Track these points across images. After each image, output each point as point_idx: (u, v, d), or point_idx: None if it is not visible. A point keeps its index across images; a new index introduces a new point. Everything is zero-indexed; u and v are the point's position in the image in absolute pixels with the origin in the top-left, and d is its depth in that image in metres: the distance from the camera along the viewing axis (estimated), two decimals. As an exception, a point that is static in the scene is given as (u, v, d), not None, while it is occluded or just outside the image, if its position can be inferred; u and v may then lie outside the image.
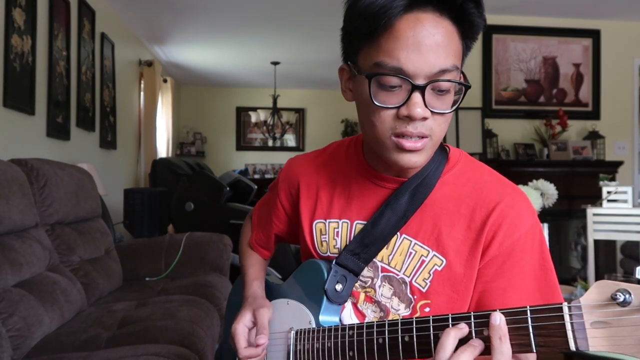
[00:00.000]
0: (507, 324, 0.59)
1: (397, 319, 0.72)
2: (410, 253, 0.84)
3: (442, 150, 0.87)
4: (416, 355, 0.68)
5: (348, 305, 0.90)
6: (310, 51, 5.56)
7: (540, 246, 0.81)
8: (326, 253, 0.92)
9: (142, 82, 5.23)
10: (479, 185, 0.83)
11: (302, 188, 0.97)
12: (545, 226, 2.62)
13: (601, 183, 2.98)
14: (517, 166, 4.24)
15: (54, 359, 1.56)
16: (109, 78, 4.14)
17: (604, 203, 2.81)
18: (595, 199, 3.05)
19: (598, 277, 2.83)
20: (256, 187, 5.06)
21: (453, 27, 0.74)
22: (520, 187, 2.32)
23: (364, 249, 0.86)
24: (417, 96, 0.72)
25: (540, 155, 4.39)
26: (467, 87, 0.76)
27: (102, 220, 2.67)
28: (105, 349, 1.66)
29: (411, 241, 0.84)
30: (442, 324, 0.65)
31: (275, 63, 6.04)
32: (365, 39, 0.74)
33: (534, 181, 2.35)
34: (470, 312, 0.63)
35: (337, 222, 0.91)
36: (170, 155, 6.29)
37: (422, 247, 0.83)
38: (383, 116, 0.75)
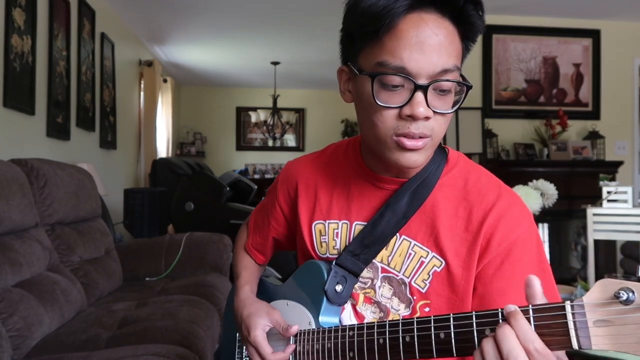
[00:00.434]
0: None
1: (398, 320, 0.72)
2: (410, 254, 0.84)
3: (441, 152, 0.88)
4: (417, 355, 0.68)
5: (347, 307, 0.90)
6: (310, 51, 5.56)
7: (538, 247, 0.82)
8: (325, 254, 0.92)
9: (142, 82, 5.23)
10: (476, 187, 0.84)
11: (300, 189, 0.97)
12: (545, 226, 2.63)
13: (601, 183, 2.97)
14: (517, 166, 4.24)
15: (54, 359, 1.56)
16: (109, 78, 4.14)
17: (604, 203, 2.81)
18: (595, 199, 3.05)
19: (598, 277, 2.83)
20: (256, 187, 5.07)
21: (454, 28, 0.74)
22: (520, 187, 2.32)
23: (363, 249, 0.86)
24: (419, 96, 0.73)
25: (540, 155, 4.39)
26: (469, 87, 0.77)
27: (102, 220, 2.67)
28: (105, 349, 1.66)
29: (410, 242, 0.85)
30: (443, 324, 0.65)
31: (275, 63, 6.04)
32: (368, 39, 0.75)
33: (534, 181, 2.35)
34: (472, 312, 0.63)
35: (337, 222, 0.91)
36: (170, 155, 6.29)
37: (421, 248, 0.84)
38: (385, 116, 0.75)
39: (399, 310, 0.86)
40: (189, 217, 4.12)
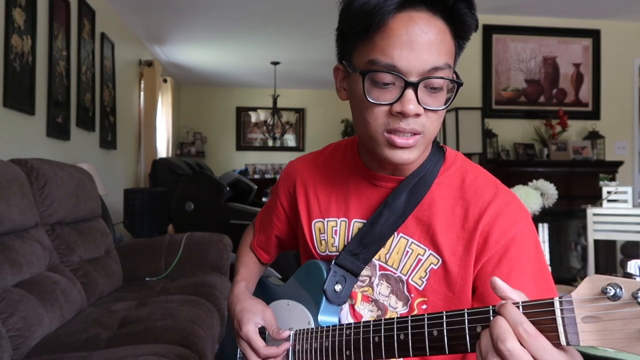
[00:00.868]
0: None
1: (393, 318, 0.72)
2: (407, 252, 0.85)
3: (438, 151, 0.88)
4: (411, 353, 0.68)
5: (345, 306, 0.90)
6: (310, 51, 5.56)
7: (535, 245, 0.82)
8: (325, 252, 0.93)
9: (142, 82, 5.24)
10: (472, 186, 0.84)
11: (299, 188, 0.98)
12: (545, 226, 2.62)
13: (601, 183, 2.98)
14: (517, 166, 4.24)
15: (54, 359, 1.56)
16: (109, 78, 4.14)
17: (604, 203, 2.81)
18: (595, 199, 3.05)
19: (598, 277, 2.83)
20: (256, 187, 5.07)
21: (445, 27, 0.75)
22: (520, 187, 2.32)
23: (363, 249, 0.86)
24: (410, 93, 0.74)
25: (540, 155, 4.39)
26: (459, 85, 0.78)
27: (102, 220, 2.67)
28: (105, 349, 1.66)
29: (408, 240, 0.85)
30: (436, 321, 0.65)
31: (275, 63, 6.05)
32: (360, 37, 0.76)
33: (534, 181, 2.35)
34: (463, 309, 0.63)
35: (336, 220, 0.92)
36: (170, 155, 6.29)
37: (418, 245, 0.84)
38: (376, 113, 0.76)
39: (396, 308, 0.86)
40: (189, 217, 4.12)
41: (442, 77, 0.75)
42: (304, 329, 0.88)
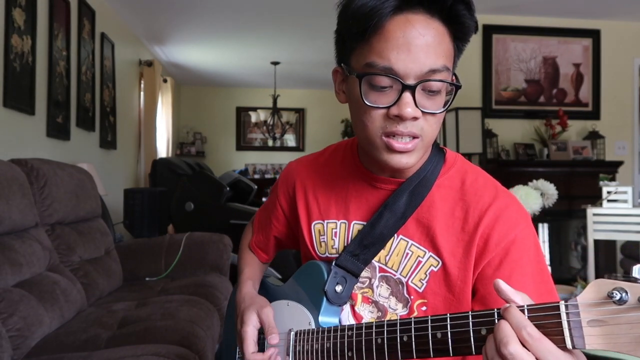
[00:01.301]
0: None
1: (396, 320, 0.72)
2: (407, 254, 0.85)
3: (438, 152, 0.88)
4: (414, 355, 0.68)
5: (346, 307, 0.90)
6: (310, 51, 5.56)
7: (535, 247, 0.82)
8: (325, 254, 0.93)
9: (142, 82, 5.24)
10: (472, 188, 0.84)
11: (298, 189, 0.98)
12: (545, 226, 2.62)
13: (601, 183, 2.97)
14: (517, 166, 4.24)
15: (54, 359, 1.56)
16: (109, 78, 4.14)
17: (604, 203, 2.81)
18: (595, 199, 3.05)
19: (598, 277, 2.82)
20: (256, 187, 5.07)
21: (444, 29, 0.74)
22: (520, 187, 2.32)
23: (363, 250, 0.86)
24: (407, 96, 0.73)
25: (540, 155, 4.39)
26: (458, 88, 0.77)
27: (102, 220, 2.67)
28: (105, 349, 1.66)
29: (408, 242, 0.85)
30: (440, 324, 0.65)
31: (275, 63, 6.05)
32: (357, 40, 0.75)
33: (534, 181, 2.35)
34: (468, 312, 0.63)
35: (335, 222, 0.92)
36: (170, 155, 6.29)
37: (418, 247, 0.84)
38: (374, 116, 0.76)
39: (396, 310, 0.86)
40: (189, 217, 4.12)
41: (440, 80, 0.74)
42: (304, 330, 0.88)
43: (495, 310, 0.60)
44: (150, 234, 3.42)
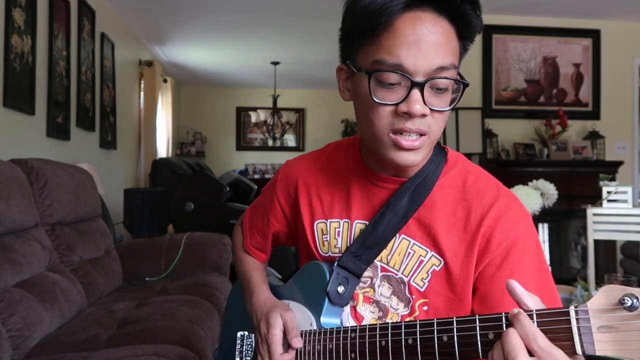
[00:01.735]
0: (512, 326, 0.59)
1: (401, 322, 0.71)
2: (409, 253, 0.85)
3: (440, 152, 0.88)
4: (419, 358, 0.68)
5: (347, 308, 0.90)
6: (310, 51, 5.56)
7: (537, 247, 0.82)
8: (327, 253, 0.92)
9: (142, 82, 5.23)
10: (474, 188, 0.84)
11: (300, 188, 0.97)
12: (545, 226, 2.62)
13: (601, 183, 2.97)
14: (517, 166, 4.23)
15: (54, 359, 1.56)
16: (109, 78, 4.14)
17: (604, 203, 2.81)
18: (595, 199, 3.05)
19: (598, 277, 2.83)
20: (256, 187, 5.06)
21: (451, 27, 0.75)
22: (520, 187, 2.32)
23: (365, 250, 0.86)
24: (416, 93, 0.73)
25: (540, 155, 4.39)
26: (466, 85, 0.77)
27: (102, 220, 2.67)
28: (105, 349, 1.66)
29: (410, 241, 0.85)
30: (446, 327, 0.65)
31: (275, 63, 6.04)
32: (365, 37, 0.75)
33: (534, 181, 2.35)
34: (475, 316, 0.63)
35: (338, 221, 0.91)
36: (170, 155, 6.29)
37: (420, 247, 0.84)
38: (382, 113, 0.76)
39: (398, 310, 0.86)
40: (189, 217, 4.12)
41: (449, 77, 0.74)
42: (307, 331, 0.87)
43: (503, 314, 0.60)
44: (150, 234, 3.42)
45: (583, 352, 0.53)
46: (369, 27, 0.73)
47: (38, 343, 1.69)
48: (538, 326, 0.56)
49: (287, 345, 0.88)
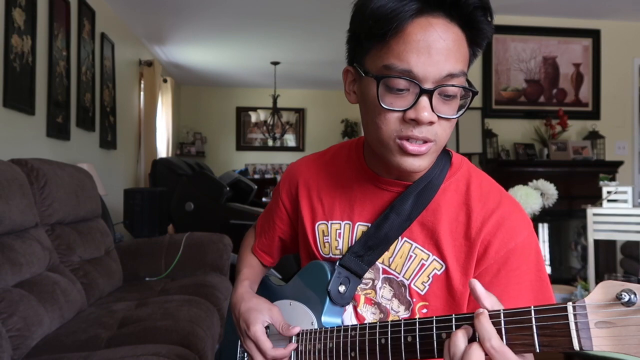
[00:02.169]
0: (511, 323, 0.59)
1: (400, 320, 0.72)
2: (411, 256, 0.85)
3: (445, 155, 0.87)
4: (418, 355, 0.68)
5: (349, 308, 0.90)
6: (310, 51, 5.56)
7: (536, 257, 0.81)
8: (328, 254, 0.92)
9: (142, 82, 5.23)
10: (476, 193, 0.84)
11: (301, 189, 0.97)
12: (545, 226, 2.62)
13: (601, 183, 2.97)
14: (517, 166, 4.23)
15: (54, 359, 1.56)
16: (109, 78, 4.14)
17: (604, 203, 2.81)
18: (595, 199, 3.05)
19: (598, 277, 2.83)
20: (256, 187, 5.07)
21: (462, 34, 0.74)
22: (520, 187, 2.32)
23: (367, 251, 0.86)
24: (424, 100, 0.72)
25: (540, 155, 4.39)
26: (475, 93, 0.77)
27: (102, 220, 2.67)
28: (105, 349, 1.66)
29: (412, 244, 0.85)
30: (445, 324, 0.65)
31: (275, 63, 6.04)
32: (375, 41, 0.74)
33: (534, 181, 2.35)
34: (473, 313, 0.63)
35: (340, 223, 0.91)
36: (170, 155, 6.28)
37: (422, 250, 0.84)
38: (389, 118, 0.75)
39: (398, 312, 0.86)
40: (189, 217, 4.12)
41: (457, 85, 0.74)
42: (307, 330, 0.87)
43: (502, 311, 0.60)
44: (150, 234, 3.42)
45: (580, 348, 0.53)
46: (380, 32, 0.72)
47: (38, 343, 1.69)
48: (535, 322, 0.57)
49: (282, 341, 0.89)
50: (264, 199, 6.24)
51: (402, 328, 0.70)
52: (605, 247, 3.92)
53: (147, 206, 3.46)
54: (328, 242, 0.92)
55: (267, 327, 0.91)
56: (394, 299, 0.86)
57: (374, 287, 0.88)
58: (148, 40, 5.28)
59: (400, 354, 0.70)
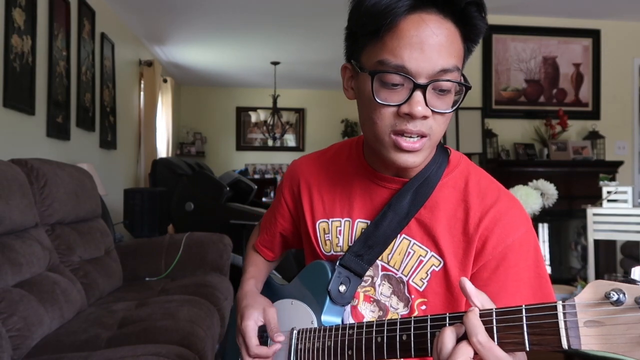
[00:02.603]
0: (502, 322, 0.59)
1: (396, 319, 0.72)
2: (409, 253, 0.85)
3: (443, 152, 0.88)
4: (413, 354, 0.68)
5: (347, 307, 0.90)
6: (310, 51, 5.56)
7: (535, 253, 0.82)
8: (330, 252, 0.93)
9: (142, 82, 5.23)
10: (474, 190, 0.84)
11: (303, 187, 0.98)
12: (545, 226, 2.62)
13: (601, 183, 2.97)
14: (517, 166, 4.24)
15: (54, 359, 1.56)
16: (109, 78, 4.14)
17: (604, 203, 2.81)
18: (595, 199, 3.05)
19: (598, 277, 2.82)
20: (256, 187, 5.06)
21: (456, 29, 0.75)
22: (520, 187, 2.32)
23: (367, 250, 0.86)
24: (418, 95, 0.73)
25: (540, 155, 4.39)
26: (468, 88, 0.77)
27: (102, 220, 2.67)
28: (105, 349, 1.66)
29: (410, 241, 0.85)
30: (439, 323, 0.65)
31: (275, 63, 6.04)
32: (370, 37, 0.75)
33: (534, 181, 2.35)
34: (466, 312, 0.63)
35: (340, 220, 0.92)
36: (170, 155, 6.28)
37: (420, 247, 0.84)
38: (384, 113, 0.76)
39: (397, 309, 0.87)
40: (189, 217, 4.12)
41: (451, 80, 0.74)
42: (306, 329, 0.88)
43: (494, 309, 0.61)
44: (150, 234, 3.42)
45: (569, 347, 0.54)
46: (374, 28, 0.73)
47: (38, 343, 1.69)
48: (526, 321, 0.57)
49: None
50: (264, 199, 6.24)
51: (398, 327, 0.70)
52: (605, 247, 3.92)
53: (147, 206, 3.46)
54: (329, 239, 0.93)
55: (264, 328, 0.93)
56: (392, 295, 0.87)
57: (373, 285, 0.89)
58: (148, 40, 5.28)
59: (395, 353, 0.70)
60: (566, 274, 4.28)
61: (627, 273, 3.67)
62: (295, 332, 0.90)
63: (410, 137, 0.76)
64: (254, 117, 7.01)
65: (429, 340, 0.66)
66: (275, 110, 6.49)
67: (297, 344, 0.88)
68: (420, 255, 0.84)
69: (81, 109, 3.44)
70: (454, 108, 0.77)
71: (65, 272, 2.10)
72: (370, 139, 0.82)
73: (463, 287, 0.63)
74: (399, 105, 0.74)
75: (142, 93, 5.25)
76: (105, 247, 2.54)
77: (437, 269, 0.83)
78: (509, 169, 4.18)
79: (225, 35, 5.03)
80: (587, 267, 2.88)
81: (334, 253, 0.92)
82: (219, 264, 2.84)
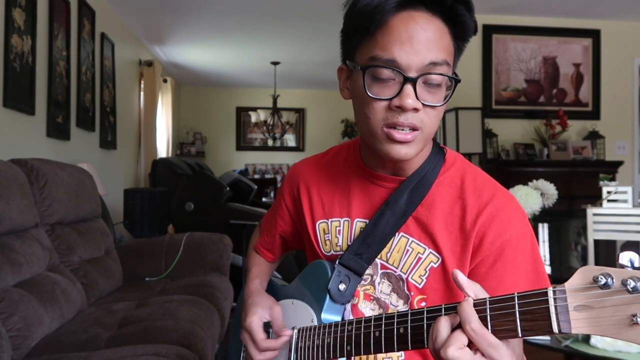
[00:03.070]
0: (495, 310, 0.61)
1: (394, 313, 0.73)
2: (408, 250, 0.86)
3: (439, 151, 0.90)
4: (409, 346, 0.69)
5: (348, 305, 0.91)
6: (310, 51, 5.56)
7: (532, 248, 0.83)
8: (330, 252, 0.94)
9: (142, 82, 5.23)
10: (471, 187, 0.86)
11: (302, 190, 1.00)
12: (545, 226, 2.62)
13: (601, 183, 2.97)
14: (517, 166, 4.24)
15: (54, 359, 1.56)
16: (109, 78, 4.14)
17: (604, 203, 2.81)
18: (595, 199, 3.05)
19: (598, 277, 2.82)
20: (256, 187, 5.06)
21: (445, 27, 0.78)
22: (520, 187, 2.32)
23: (366, 248, 0.87)
24: (408, 88, 0.75)
25: (540, 155, 4.39)
26: (457, 81, 0.79)
27: (102, 220, 2.67)
28: (105, 349, 1.66)
29: (408, 239, 0.86)
30: (435, 314, 0.66)
31: (275, 63, 6.05)
32: (362, 36, 0.79)
33: (534, 181, 2.35)
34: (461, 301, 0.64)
35: (339, 220, 0.93)
36: (170, 155, 6.28)
37: (418, 244, 0.86)
38: (376, 108, 0.78)
39: (397, 307, 0.88)
40: (189, 217, 4.12)
41: (441, 73, 0.77)
42: (306, 327, 0.89)
43: (488, 299, 0.62)
44: (150, 234, 3.42)
45: (559, 331, 0.55)
46: (365, 26, 0.76)
47: (38, 343, 1.70)
48: (518, 307, 0.59)
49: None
50: (264, 199, 6.23)
51: (395, 320, 0.71)
52: (605, 247, 3.92)
53: (147, 206, 3.46)
54: (329, 239, 0.94)
55: (269, 325, 0.94)
56: (392, 293, 0.88)
57: (372, 283, 0.90)
58: (148, 40, 5.28)
59: (392, 346, 0.71)
60: (566, 274, 4.25)
61: (619, 264, 3.67)
62: (296, 330, 0.91)
63: (403, 129, 0.78)
64: (254, 117, 7.01)
65: (425, 332, 0.67)
66: (275, 110, 6.49)
67: (297, 342, 0.89)
68: (419, 253, 0.85)
69: (81, 109, 3.44)
70: (445, 102, 0.79)
71: (65, 272, 2.10)
72: (365, 135, 0.84)
73: (456, 279, 0.64)
74: (390, 99, 0.77)
75: (142, 93, 5.26)
76: (105, 247, 2.54)
77: (435, 266, 0.84)
78: (509, 169, 4.19)
79: (225, 35, 5.03)
80: (587, 267, 2.87)
81: (334, 253, 0.93)
82: (219, 264, 2.84)
